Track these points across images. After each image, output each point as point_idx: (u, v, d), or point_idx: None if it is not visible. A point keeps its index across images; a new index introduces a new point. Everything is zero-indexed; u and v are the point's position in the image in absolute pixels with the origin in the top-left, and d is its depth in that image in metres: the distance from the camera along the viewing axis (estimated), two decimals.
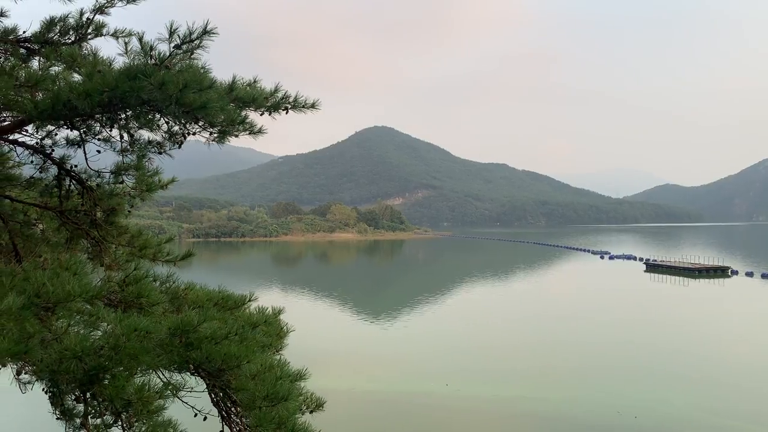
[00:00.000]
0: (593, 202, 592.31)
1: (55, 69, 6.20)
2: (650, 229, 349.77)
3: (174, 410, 5.31)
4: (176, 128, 5.77)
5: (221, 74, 5.29)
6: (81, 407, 5.25)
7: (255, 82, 5.64)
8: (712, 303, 61.06)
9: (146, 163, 6.69)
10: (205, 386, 5.28)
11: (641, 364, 33.70)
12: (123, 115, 5.67)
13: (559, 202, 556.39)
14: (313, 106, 5.71)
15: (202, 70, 5.07)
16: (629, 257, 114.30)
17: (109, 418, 5.05)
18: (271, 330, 6.38)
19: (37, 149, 6.60)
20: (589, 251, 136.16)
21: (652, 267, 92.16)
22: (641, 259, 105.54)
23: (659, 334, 42.97)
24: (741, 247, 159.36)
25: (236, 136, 5.54)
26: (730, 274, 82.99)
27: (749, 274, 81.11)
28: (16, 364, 4.59)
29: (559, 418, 24.79)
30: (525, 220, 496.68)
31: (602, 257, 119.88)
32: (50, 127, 6.25)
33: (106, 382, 4.62)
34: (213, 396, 5.37)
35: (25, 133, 6.34)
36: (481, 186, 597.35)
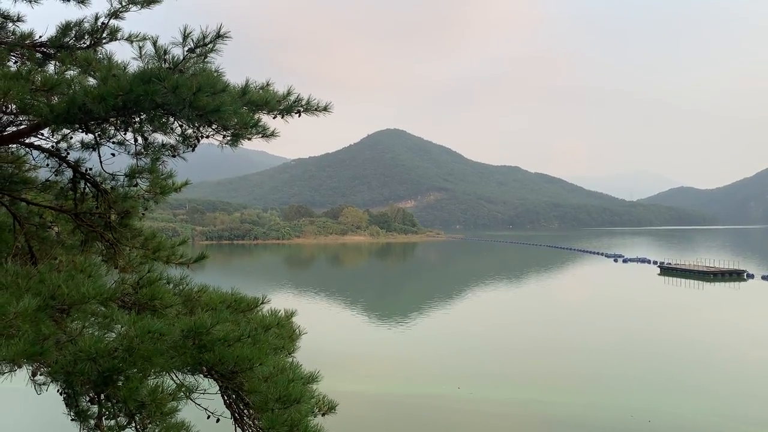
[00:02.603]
0: (607, 205, 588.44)
1: (71, 73, 6.26)
2: (664, 232, 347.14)
3: (187, 412, 5.33)
4: (190, 131, 5.81)
5: (234, 78, 5.32)
6: (95, 408, 5.29)
7: (268, 85, 5.66)
8: (727, 307, 60.43)
9: (160, 166, 6.74)
10: (218, 388, 5.30)
11: (655, 368, 33.42)
12: (137, 119, 5.71)
13: (572, 204, 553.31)
14: (325, 109, 5.72)
15: (215, 74, 5.10)
16: (643, 260, 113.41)
17: (123, 420, 5.08)
18: (283, 332, 6.39)
19: (53, 152, 6.67)
20: (602, 254, 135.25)
21: (667, 270, 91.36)
22: (655, 263, 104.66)
23: (673, 338, 42.60)
24: (757, 250, 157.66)
25: (249, 139, 5.56)
26: (746, 277, 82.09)
27: (766, 278, 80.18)
28: (32, 366, 4.63)
29: (572, 422, 24.63)
30: (538, 223, 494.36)
31: (616, 260, 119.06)
32: (65, 131, 6.31)
33: (120, 383, 4.65)
34: (226, 398, 5.39)
35: (41, 136, 6.42)
36: (493, 189, 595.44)
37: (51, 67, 6.65)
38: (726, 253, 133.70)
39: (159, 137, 6.27)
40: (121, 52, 6.03)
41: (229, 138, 5.49)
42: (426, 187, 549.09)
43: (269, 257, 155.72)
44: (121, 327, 4.85)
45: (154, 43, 5.11)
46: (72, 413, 5.60)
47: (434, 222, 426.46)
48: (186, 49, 5.03)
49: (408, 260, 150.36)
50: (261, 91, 5.56)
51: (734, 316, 53.10)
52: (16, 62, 6.72)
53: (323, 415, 5.64)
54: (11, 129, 6.12)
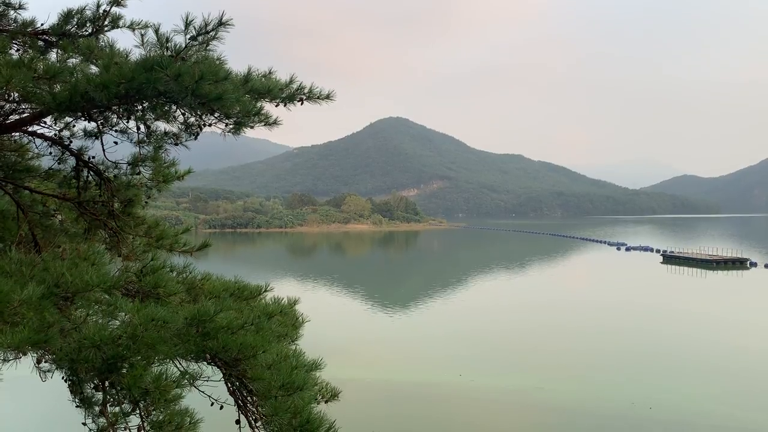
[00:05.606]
0: (610, 193, 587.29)
1: (73, 61, 6.24)
2: (667, 220, 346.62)
3: (191, 399, 5.37)
4: (192, 119, 5.79)
5: (236, 66, 5.30)
6: (100, 395, 5.33)
7: (270, 73, 5.63)
8: (730, 295, 60.45)
9: (163, 155, 6.74)
10: (221, 376, 5.33)
11: (657, 356, 33.49)
12: (139, 107, 5.70)
13: (575, 193, 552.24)
14: (328, 97, 5.70)
15: (217, 62, 5.08)
16: (646, 248, 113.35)
17: (127, 407, 5.12)
18: (286, 320, 6.41)
19: (56, 141, 6.67)
20: (605, 242, 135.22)
21: (669, 258, 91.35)
22: (658, 251, 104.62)
23: (676, 326, 42.66)
24: (760, 238, 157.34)
25: (251, 127, 5.55)
26: (748, 266, 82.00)
27: None
28: (37, 353, 4.65)
29: (573, 409, 24.73)
30: (541, 211, 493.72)
31: (619, 248, 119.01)
32: (68, 119, 6.31)
33: (124, 371, 4.67)
34: (229, 385, 5.41)
35: (43, 124, 6.41)
36: (496, 177, 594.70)
37: (53, 55, 6.62)
38: (729, 241, 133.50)
39: (161, 125, 6.25)
40: (123, 40, 6.02)
41: (231, 126, 5.47)
42: (429, 175, 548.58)
43: (272, 245, 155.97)
44: (125, 315, 4.87)
45: (156, 31, 5.09)
46: (77, 400, 5.64)
47: (437, 210, 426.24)
48: (188, 36, 5.00)
49: (410, 249, 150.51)
50: (263, 79, 5.53)
51: (736, 305, 53.13)
52: (18, 50, 6.70)
53: (326, 402, 5.67)
54: (14, 117, 6.11)
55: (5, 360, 4.41)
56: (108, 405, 5.23)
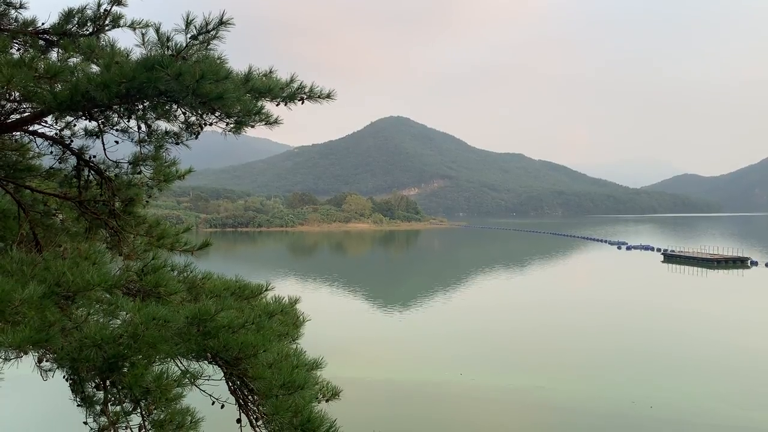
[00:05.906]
0: (610, 192, 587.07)
1: (74, 60, 6.23)
2: (668, 219, 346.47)
3: (192, 398, 5.37)
4: (193, 119, 5.79)
5: (237, 65, 5.31)
6: (101, 394, 5.33)
7: (271, 72, 5.63)
8: (731, 294, 60.42)
9: (163, 154, 6.74)
10: (222, 375, 5.33)
11: (657, 355, 33.49)
12: (140, 106, 5.70)
13: (575, 192, 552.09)
14: (328, 96, 5.70)
15: (218, 61, 5.08)
16: (647, 248, 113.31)
17: (128, 406, 5.12)
18: (287, 319, 6.41)
19: (57, 140, 6.66)
20: (606, 241, 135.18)
21: (670, 257, 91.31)
22: (659, 250, 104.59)
23: (676, 325, 42.63)
24: (761, 237, 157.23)
25: (252, 126, 5.55)
26: (749, 264, 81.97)
27: None
28: (38, 352, 4.66)
29: (574, 408, 24.74)
30: (541, 210, 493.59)
31: (619, 248, 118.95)
32: (69, 118, 6.30)
33: (126, 370, 4.68)
34: (230, 384, 5.42)
35: (44, 124, 6.40)
36: (497, 176, 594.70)
37: (54, 55, 6.62)
38: (730, 240, 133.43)
39: (162, 125, 6.25)
40: (124, 40, 6.01)
41: (232, 125, 5.47)
42: (429, 174, 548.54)
43: (273, 245, 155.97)
44: (126, 314, 4.87)
45: (157, 30, 5.09)
46: (78, 399, 5.65)
47: (438, 209, 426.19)
48: (189, 36, 5.00)
49: (411, 248, 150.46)
50: (264, 78, 5.53)
51: (737, 304, 53.10)
52: (18, 49, 6.70)
53: (327, 401, 5.66)
54: (15, 116, 6.11)
55: (6, 359, 4.41)
56: (109, 404, 5.24)
